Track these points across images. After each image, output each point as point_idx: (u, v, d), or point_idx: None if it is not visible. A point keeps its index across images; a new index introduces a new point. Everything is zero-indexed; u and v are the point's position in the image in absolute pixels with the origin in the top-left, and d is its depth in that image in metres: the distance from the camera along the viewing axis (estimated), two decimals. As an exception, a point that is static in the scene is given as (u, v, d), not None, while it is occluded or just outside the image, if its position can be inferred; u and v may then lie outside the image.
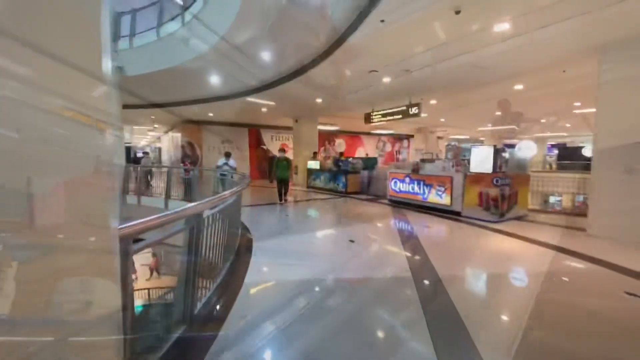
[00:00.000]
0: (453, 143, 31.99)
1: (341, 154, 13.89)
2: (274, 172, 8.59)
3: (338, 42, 5.83)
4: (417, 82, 8.08)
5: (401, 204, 8.48)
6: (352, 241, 4.91)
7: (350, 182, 10.82)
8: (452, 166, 7.18)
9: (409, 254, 4.37)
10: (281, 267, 3.89)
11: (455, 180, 7.07)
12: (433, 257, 4.19)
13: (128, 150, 35.63)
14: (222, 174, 8.56)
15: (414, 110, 9.10)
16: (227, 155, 8.74)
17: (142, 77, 9.35)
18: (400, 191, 8.53)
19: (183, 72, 8.60)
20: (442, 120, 16.19)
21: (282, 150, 8.77)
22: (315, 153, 13.60)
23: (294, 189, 12.58)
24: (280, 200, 8.62)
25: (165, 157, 23.62)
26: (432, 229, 6.06)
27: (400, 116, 9.52)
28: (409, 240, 5.15)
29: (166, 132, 21.40)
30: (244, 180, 5.66)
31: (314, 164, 12.83)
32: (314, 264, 3.97)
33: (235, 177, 7.22)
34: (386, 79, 7.76)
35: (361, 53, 6.18)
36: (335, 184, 11.35)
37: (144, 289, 6.44)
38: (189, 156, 10.71)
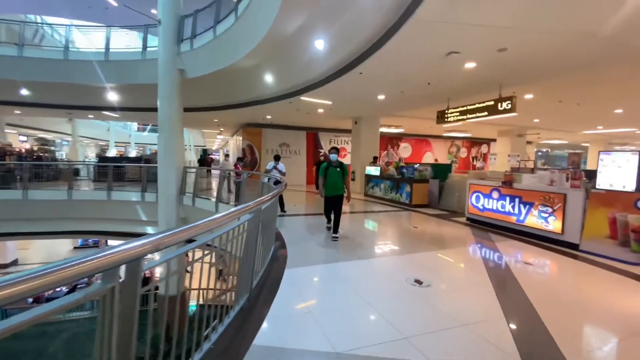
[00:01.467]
0: (545, 150, 27.19)
1: (400, 159, 12.16)
2: (322, 183, 5.75)
3: (405, 15, 4.45)
4: (511, 68, 6.17)
5: (485, 225, 6.58)
6: (418, 282, 3.46)
7: (416, 192, 9.13)
8: (567, 179, 5.13)
9: (509, 313, 2.78)
10: (306, 321, 2.67)
11: (571, 199, 5.02)
12: (550, 322, 2.57)
13: (204, 152, 38.70)
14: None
15: (505, 105, 7.10)
16: (276, 158, 7.93)
17: (202, 79, 9.18)
18: (485, 209, 6.63)
19: (238, 71, 8.13)
20: (536, 121, 13.25)
21: (335, 149, 5.83)
22: (375, 158, 12.14)
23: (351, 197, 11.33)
24: (330, 228, 6.01)
25: (231, 160, 24.65)
26: (537, 269, 4.21)
27: (485, 113, 7.57)
28: (504, 285, 3.49)
29: (232, 135, 22.09)
30: (271, 189, 4.65)
31: (373, 170, 11.39)
32: (357, 320, 2.68)
33: (270, 181, 6.18)
34: (470, 64, 6.03)
35: (436, 29, 4.66)
36: (398, 194, 9.76)
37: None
38: (242, 159, 10.19)
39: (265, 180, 6.49)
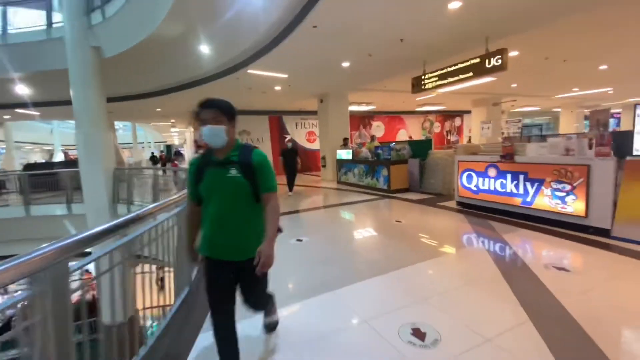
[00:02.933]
0: (518, 119, 27.01)
1: (373, 137, 10.82)
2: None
3: None
4: (499, 13, 4.85)
5: (481, 210, 5.37)
6: (418, 336, 2.09)
7: (395, 176, 7.82)
8: (590, 146, 3.91)
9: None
10: None
11: (598, 171, 3.83)
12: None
13: (168, 148, 35.56)
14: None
15: (494, 61, 5.80)
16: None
17: (127, 59, 7.23)
18: (480, 190, 5.40)
19: (167, 45, 6.31)
20: (514, 86, 12.30)
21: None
22: (346, 139, 10.70)
23: (320, 187, 9.87)
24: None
25: (187, 155, 22.12)
26: (572, 272, 2.98)
27: (469, 74, 6.26)
28: (537, 306, 2.20)
29: (187, 127, 19.82)
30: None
31: (344, 154, 9.97)
32: None
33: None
34: (455, 4, 4.60)
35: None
36: (374, 179, 8.42)
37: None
38: (179, 153, 8.42)
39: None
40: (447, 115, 20.29)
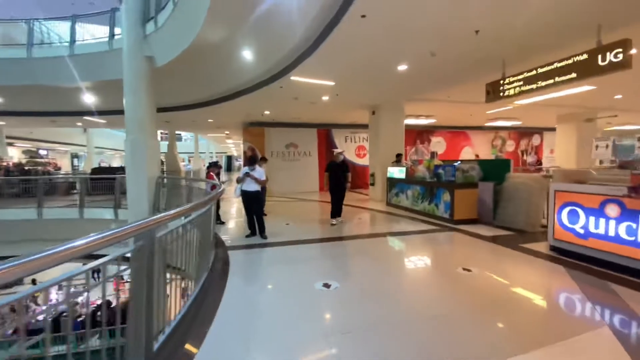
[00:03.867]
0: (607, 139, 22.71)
1: (434, 154, 9.31)
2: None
3: None
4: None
5: (591, 263, 3.75)
6: None
7: (460, 202, 6.34)
8: None
9: None
10: None
11: None
12: None
13: (229, 159, 37.55)
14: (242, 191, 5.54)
15: (611, 57, 4.21)
16: (252, 161, 5.58)
17: (174, 67, 7.19)
18: (590, 234, 3.79)
19: (211, 52, 6.02)
20: (618, 97, 9.85)
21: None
22: (399, 155, 9.42)
23: (366, 208, 8.68)
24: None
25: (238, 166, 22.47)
26: None
27: (571, 75, 4.67)
28: None
29: (240, 139, 20.22)
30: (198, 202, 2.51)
31: (397, 172, 8.70)
32: None
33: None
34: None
35: None
36: (432, 205, 7.01)
37: None
38: (216, 164, 7.99)
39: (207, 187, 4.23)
40: (523, 133, 17.59)
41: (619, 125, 16.35)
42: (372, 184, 10.41)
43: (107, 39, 8.87)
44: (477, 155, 16.03)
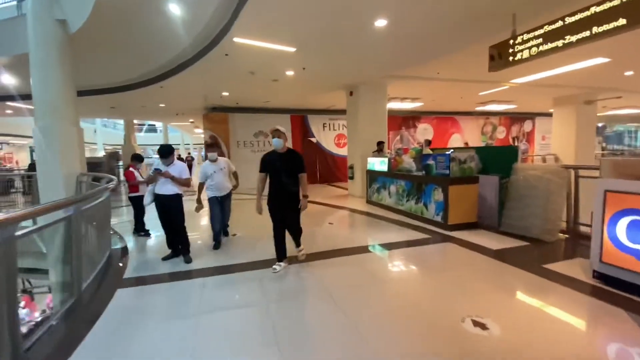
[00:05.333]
0: (601, 124, 22.00)
1: (428, 142, 7.89)
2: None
3: None
4: None
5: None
6: None
7: (456, 201, 4.91)
8: None
9: None
10: None
11: None
12: None
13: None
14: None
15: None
16: (163, 153, 3.89)
17: (93, 37, 5.46)
18: (673, 262, 2.41)
19: (127, 9, 4.33)
20: (629, 74, 8.59)
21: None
22: (381, 144, 7.93)
23: (340, 208, 7.18)
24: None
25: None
26: None
27: (620, 22, 3.23)
28: None
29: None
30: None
31: (378, 163, 7.22)
32: None
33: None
34: None
35: None
36: (420, 204, 5.58)
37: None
38: (138, 157, 6.18)
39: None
40: (515, 118, 16.42)
41: (616, 109, 15.38)
42: (351, 178, 8.93)
43: (15, 2, 6.95)
44: (466, 143, 14.74)
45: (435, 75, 7.94)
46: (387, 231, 5.12)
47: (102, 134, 32.59)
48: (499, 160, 5.28)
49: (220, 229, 4.55)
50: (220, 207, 4.49)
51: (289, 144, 12.42)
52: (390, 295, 2.87)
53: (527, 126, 16.99)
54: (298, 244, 3.74)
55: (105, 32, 5.62)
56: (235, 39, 4.99)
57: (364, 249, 4.16)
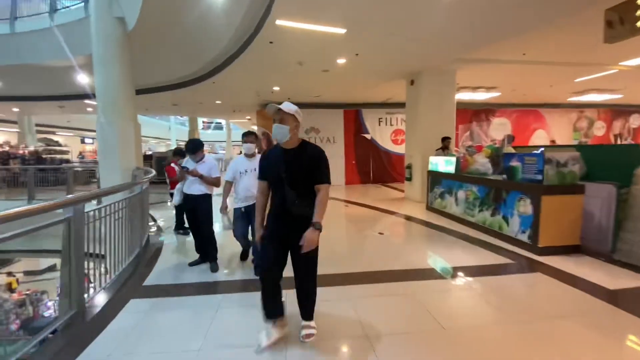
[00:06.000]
0: None
1: (510, 138, 6.48)
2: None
3: None
4: None
5: None
6: None
7: (550, 215, 3.71)
8: None
9: None
10: None
11: None
12: None
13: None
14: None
15: None
16: (192, 149, 3.50)
17: (149, 36, 5.61)
18: None
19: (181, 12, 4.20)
20: None
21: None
22: (447, 140, 6.79)
23: (394, 214, 6.27)
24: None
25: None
26: None
27: None
28: None
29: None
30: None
31: (442, 163, 6.14)
32: None
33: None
34: None
35: None
36: (499, 216, 4.45)
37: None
38: (180, 152, 6.02)
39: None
40: (618, 111, 13.39)
41: None
42: (409, 179, 7.91)
43: (82, 3, 7.48)
44: (553, 141, 12.44)
45: (519, 58, 6.52)
46: (452, 249, 4.14)
47: (176, 131, 35.72)
48: (611, 163, 3.91)
49: (247, 245, 3.58)
50: (247, 222, 3.29)
51: (341, 141, 11.63)
52: (457, 355, 2.01)
53: (635, 121, 13.75)
54: (308, 316, 2.15)
55: (158, 31, 5.64)
56: (278, 22, 4.46)
57: (421, 274, 3.29)
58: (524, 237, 3.96)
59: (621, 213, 3.52)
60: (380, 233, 4.89)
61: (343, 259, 3.78)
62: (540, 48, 5.90)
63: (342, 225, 5.73)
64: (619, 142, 13.62)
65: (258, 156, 3.33)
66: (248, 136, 3.31)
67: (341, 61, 6.38)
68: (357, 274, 3.25)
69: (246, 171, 3.26)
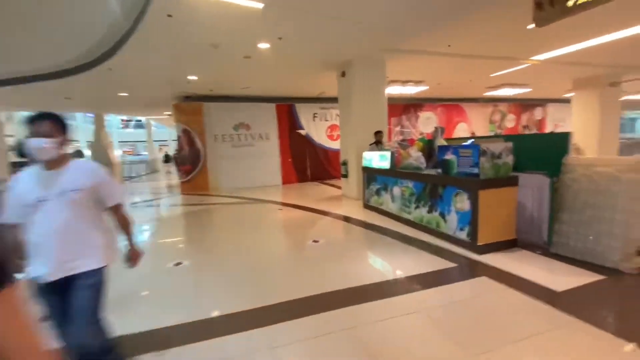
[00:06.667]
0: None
1: (439, 130, 6.43)
2: None
3: None
4: None
5: None
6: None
7: (488, 210, 3.50)
8: None
9: None
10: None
11: None
12: None
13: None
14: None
15: None
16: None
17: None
18: None
19: None
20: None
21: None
22: (379, 134, 6.51)
23: (327, 215, 5.77)
24: None
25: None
26: None
27: None
28: None
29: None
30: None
31: (376, 157, 5.79)
32: None
33: None
34: None
35: None
36: (435, 213, 4.18)
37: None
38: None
39: None
40: (525, 105, 14.99)
41: (632, 94, 13.94)
42: (345, 176, 7.50)
43: None
44: (473, 133, 13.40)
45: (445, 50, 6.48)
46: (390, 255, 3.73)
47: (85, 131, 30.87)
48: (538, 152, 3.88)
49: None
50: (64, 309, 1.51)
51: (275, 138, 10.78)
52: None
53: (538, 114, 15.58)
54: None
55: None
56: (172, -13, 3.50)
57: (361, 294, 2.74)
58: (463, 235, 3.71)
59: (555, 204, 3.44)
60: (315, 241, 4.28)
61: (265, 285, 3.06)
62: (464, 39, 5.88)
63: (272, 235, 4.99)
64: (526, 132, 15.29)
65: (79, 164, 1.62)
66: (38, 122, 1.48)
67: (264, 46, 5.59)
68: (281, 305, 2.56)
69: (43, 200, 1.49)
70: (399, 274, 3.10)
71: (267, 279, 3.17)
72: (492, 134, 13.76)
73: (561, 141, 3.68)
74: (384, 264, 3.50)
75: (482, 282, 2.82)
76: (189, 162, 9.99)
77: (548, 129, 15.68)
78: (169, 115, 14.32)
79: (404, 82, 9.12)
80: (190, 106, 9.80)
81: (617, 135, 10.75)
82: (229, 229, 5.51)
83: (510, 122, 14.82)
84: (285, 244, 4.55)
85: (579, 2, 2.86)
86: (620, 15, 4.98)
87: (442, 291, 2.71)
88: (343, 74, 7.18)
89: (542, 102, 15.23)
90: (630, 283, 2.70)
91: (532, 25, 3.81)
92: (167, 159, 21.94)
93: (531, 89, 11.35)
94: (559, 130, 15.22)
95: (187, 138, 9.95)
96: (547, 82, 10.97)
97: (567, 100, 13.92)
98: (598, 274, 2.82)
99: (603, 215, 2.97)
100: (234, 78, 7.98)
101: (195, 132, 9.90)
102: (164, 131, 31.58)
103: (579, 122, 10.71)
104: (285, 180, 10.80)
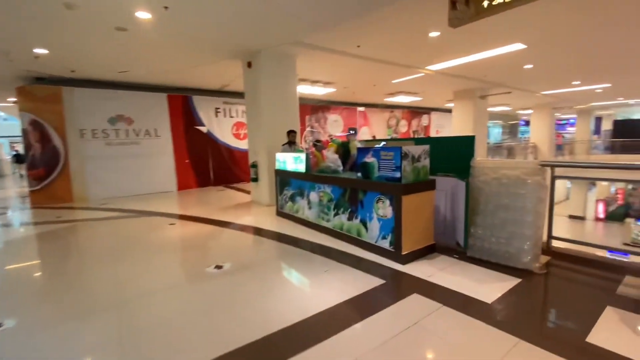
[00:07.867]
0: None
1: (353, 131, 6.24)
2: None
3: None
4: None
5: None
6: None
7: (411, 216, 3.29)
8: None
9: None
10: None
11: None
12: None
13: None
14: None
15: None
16: None
17: None
18: None
19: None
20: (528, 67, 8.75)
21: None
22: (292, 133, 5.96)
23: (231, 227, 4.93)
24: None
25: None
26: None
27: None
28: None
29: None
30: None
31: (290, 159, 5.21)
32: None
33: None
34: None
35: None
36: (356, 220, 3.83)
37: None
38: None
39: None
40: (414, 112, 16.79)
41: (492, 107, 17.08)
42: (255, 180, 6.69)
43: None
44: (374, 136, 14.24)
45: (355, 50, 6.37)
46: (309, 273, 3.18)
47: None
48: (446, 155, 3.91)
49: None
50: None
51: (168, 133, 9.18)
52: None
53: (424, 120, 17.68)
54: None
55: None
56: None
57: (274, 346, 2.07)
58: (386, 244, 3.44)
59: (469, 207, 3.45)
60: (218, 267, 3.39)
61: (143, 355, 2.10)
62: (372, 40, 5.82)
63: (156, 265, 3.70)
64: (415, 136, 17.16)
65: None
66: None
67: (144, 16, 4.35)
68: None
69: None
70: (323, 306, 2.53)
71: (146, 344, 2.20)
72: (389, 137, 14.90)
73: (467, 144, 3.76)
74: (304, 291, 2.91)
75: (415, 302, 2.51)
76: (42, 164, 7.53)
77: (432, 133, 17.97)
78: (14, 102, 10.78)
79: (313, 82, 8.85)
80: (43, 90, 7.37)
81: (485, 139, 12.89)
82: (93, 258, 4.01)
83: (403, 127, 16.36)
84: (175, 277, 3.45)
85: (494, 2, 2.84)
86: (492, 34, 5.64)
87: (374, 324, 2.26)
88: (249, 65, 6.36)
89: (427, 110, 17.32)
90: (536, 281, 2.79)
91: (436, 34, 3.85)
92: (18, 159, 16.86)
93: (422, 98, 12.63)
94: (439, 135, 17.60)
95: (38, 132, 7.47)
96: (434, 92, 12.36)
97: (447, 110, 16.19)
98: (514, 277, 2.85)
99: (514, 217, 3.04)
100: (104, 57, 6.24)
101: (51, 125, 7.52)
102: (14, 123, 24.35)
103: (458, 128, 12.40)
104: (183, 185, 9.27)
